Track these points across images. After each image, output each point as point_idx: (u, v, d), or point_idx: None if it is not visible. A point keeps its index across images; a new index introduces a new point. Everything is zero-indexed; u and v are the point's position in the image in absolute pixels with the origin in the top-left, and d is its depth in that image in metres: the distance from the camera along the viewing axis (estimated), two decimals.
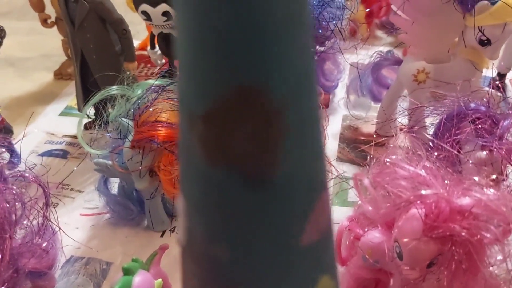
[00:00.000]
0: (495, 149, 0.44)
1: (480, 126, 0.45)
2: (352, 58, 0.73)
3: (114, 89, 0.51)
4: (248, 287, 0.20)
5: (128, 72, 0.63)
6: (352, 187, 0.43)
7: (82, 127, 0.69)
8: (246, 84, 0.16)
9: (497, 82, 0.53)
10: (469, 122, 0.46)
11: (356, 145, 0.67)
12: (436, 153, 0.41)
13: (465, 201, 0.36)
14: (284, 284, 0.20)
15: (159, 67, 0.86)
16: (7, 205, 0.43)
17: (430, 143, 0.46)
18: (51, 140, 0.72)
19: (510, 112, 0.45)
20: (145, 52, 0.90)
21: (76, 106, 0.76)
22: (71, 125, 0.74)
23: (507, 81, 0.81)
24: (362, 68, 0.67)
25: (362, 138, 0.68)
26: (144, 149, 0.47)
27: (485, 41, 0.54)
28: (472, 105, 0.46)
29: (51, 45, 0.95)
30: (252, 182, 0.17)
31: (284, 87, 0.16)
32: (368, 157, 0.43)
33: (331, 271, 0.22)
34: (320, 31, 0.63)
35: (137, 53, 0.86)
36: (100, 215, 0.58)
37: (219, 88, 0.16)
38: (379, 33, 0.95)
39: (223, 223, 0.18)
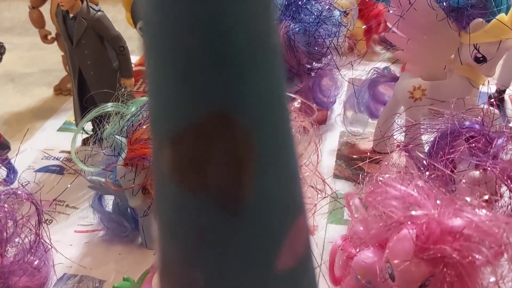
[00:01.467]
0: (489, 168, 0.43)
1: (474, 144, 0.45)
2: (350, 74, 0.73)
3: (109, 106, 0.51)
4: None
5: (124, 89, 0.63)
6: (344, 206, 0.43)
7: (78, 143, 0.70)
8: (216, 111, 0.16)
9: (492, 100, 0.52)
10: (463, 140, 0.45)
11: (353, 162, 0.67)
12: (428, 173, 0.41)
13: (456, 222, 0.36)
14: None
15: None
16: None
17: (424, 162, 0.46)
18: (48, 156, 0.72)
19: (504, 130, 0.45)
20: (144, 68, 0.91)
21: (74, 122, 0.76)
22: (69, 141, 0.73)
23: (506, 97, 0.80)
24: (359, 84, 0.67)
25: (359, 155, 0.68)
26: (137, 167, 0.47)
27: (481, 58, 0.54)
28: (467, 123, 0.46)
29: (51, 61, 0.96)
30: (224, 207, 0.17)
31: (253, 111, 0.16)
32: (361, 175, 0.43)
33: None
34: (316, 48, 0.63)
35: (136, 68, 0.87)
36: (95, 232, 0.58)
37: (188, 113, 0.16)
38: (378, 48, 0.95)
39: (196, 248, 0.18)
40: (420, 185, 0.40)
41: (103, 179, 0.50)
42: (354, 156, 0.67)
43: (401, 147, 0.52)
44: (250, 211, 0.18)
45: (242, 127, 0.16)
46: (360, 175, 0.44)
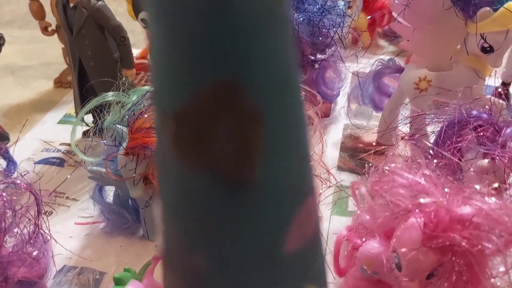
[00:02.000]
0: (497, 157, 0.42)
1: (482, 133, 0.44)
2: (353, 67, 0.73)
3: (109, 96, 0.50)
4: None
5: (125, 78, 0.63)
6: (350, 195, 0.42)
7: (79, 135, 0.69)
8: (223, 79, 0.15)
9: (500, 90, 0.51)
10: (470, 129, 0.45)
11: (357, 154, 0.66)
12: (435, 161, 0.40)
13: (466, 210, 0.35)
14: None
15: None
16: None
17: (431, 151, 0.45)
18: (48, 148, 0.71)
19: None
20: (145, 61, 0.90)
21: (74, 115, 0.75)
22: (69, 133, 0.73)
23: (511, 89, 0.79)
24: (363, 76, 0.66)
25: (363, 147, 0.67)
26: (138, 156, 0.47)
27: (488, 48, 0.53)
28: (474, 112, 0.45)
29: (51, 54, 0.95)
30: (230, 185, 0.16)
31: (263, 84, 0.16)
32: (366, 166, 0.42)
33: (319, 282, 0.21)
34: (320, 38, 0.62)
35: (137, 61, 0.86)
36: (95, 224, 0.57)
37: (193, 83, 0.15)
38: (382, 41, 0.94)
39: (200, 229, 0.17)
40: (428, 173, 0.39)
41: (104, 169, 0.50)
42: (360, 147, 0.66)
43: (406, 137, 0.51)
44: (257, 191, 0.17)
45: (250, 98, 0.16)
46: (365, 166, 0.43)
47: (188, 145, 0.16)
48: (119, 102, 0.50)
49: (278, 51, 0.16)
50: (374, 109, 0.68)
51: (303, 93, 0.51)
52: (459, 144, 0.43)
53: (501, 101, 0.52)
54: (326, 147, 0.67)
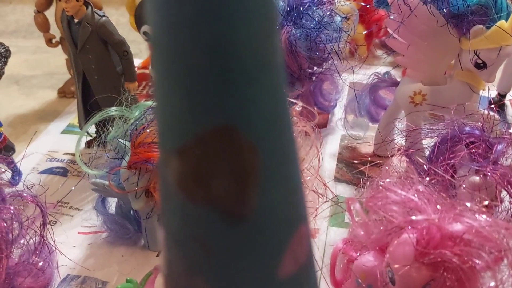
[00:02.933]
0: (489, 174, 0.44)
1: (474, 150, 0.45)
2: (351, 79, 0.74)
3: (112, 110, 0.52)
4: None
5: (128, 93, 0.64)
6: (345, 210, 0.44)
7: (82, 146, 0.70)
8: (221, 123, 0.17)
9: (492, 106, 0.53)
10: (463, 146, 0.46)
11: (354, 165, 0.67)
12: (428, 178, 0.41)
13: (457, 227, 0.36)
14: None
15: None
16: (4, 224, 0.44)
17: (425, 167, 0.46)
18: (52, 158, 0.72)
19: (504, 136, 0.46)
20: (147, 71, 0.91)
21: (78, 125, 0.76)
22: (73, 143, 0.74)
23: (507, 102, 0.81)
24: (360, 88, 0.68)
25: (360, 158, 0.68)
26: (140, 170, 0.48)
27: (481, 64, 0.54)
28: (467, 129, 0.46)
29: (55, 64, 0.96)
30: (228, 218, 0.18)
31: (257, 125, 0.17)
32: (362, 180, 0.43)
33: None
34: (317, 53, 0.64)
35: (139, 71, 0.88)
36: (98, 233, 0.58)
37: (194, 126, 0.17)
38: (379, 53, 0.96)
39: (201, 256, 0.19)
40: (421, 190, 0.40)
41: (107, 182, 0.51)
42: (355, 160, 0.67)
43: (401, 151, 0.52)
44: (254, 222, 0.18)
45: (247, 141, 0.17)
46: (361, 179, 0.45)
47: (189, 180, 0.17)
48: (122, 117, 0.51)
49: (271, 96, 0.17)
50: (370, 121, 0.69)
51: (296, 108, 0.52)
52: (452, 161, 0.45)
53: (495, 115, 0.54)
54: (324, 158, 0.69)
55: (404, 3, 0.53)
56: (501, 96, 0.79)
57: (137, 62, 0.97)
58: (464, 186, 0.44)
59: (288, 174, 0.19)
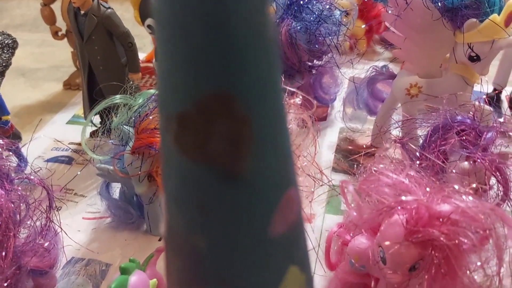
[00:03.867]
0: (478, 160, 0.45)
1: (464, 137, 0.47)
2: (350, 72, 0.76)
3: (117, 98, 0.53)
4: (222, 274, 0.22)
5: (132, 82, 0.66)
6: (339, 193, 0.45)
7: (87, 135, 0.72)
8: (218, 90, 0.18)
9: (484, 97, 0.54)
10: (454, 133, 0.48)
11: (351, 156, 0.69)
12: (419, 163, 0.43)
13: (444, 207, 0.38)
14: (254, 272, 0.22)
15: None
16: (12, 205, 0.46)
17: (417, 154, 0.48)
18: (58, 147, 0.74)
19: (494, 124, 0.47)
20: (150, 64, 0.93)
21: (83, 115, 0.78)
22: (77, 133, 0.76)
23: (503, 97, 0.82)
24: (358, 82, 0.70)
25: (358, 149, 0.70)
26: (144, 155, 0.50)
27: (475, 57, 0.56)
28: (458, 117, 0.48)
29: (61, 57, 0.98)
30: (223, 176, 0.19)
31: (251, 94, 0.19)
32: (356, 166, 0.45)
33: (301, 264, 0.24)
34: (317, 46, 0.66)
35: (143, 65, 0.90)
36: (102, 219, 0.60)
37: (194, 92, 0.18)
38: (378, 48, 0.97)
39: (198, 214, 0.21)
40: (412, 174, 0.42)
41: (111, 167, 0.53)
42: (354, 150, 0.69)
43: (396, 140, 0.54)
44: (247, 182, 0.20)
45: (241, 106, 0.19)
46: (357, 167, 0.47)
47: (188, 143, 0.19)
48: (126, 105, 0.53)
49: (265, 68, 0.19)
50: (368, 113, 0.71)
51: (296, 100, 0.54)
52: (444, 147, 0.46)
53: (487, 107, 0.56)
54: (322, 149, 0.71)
55: None
56: (496, 91, 0.81)
57: (141, 56, 0.99)
58: (454, 171, 0.46)
59: (279, 140, 0.21)
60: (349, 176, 0.66)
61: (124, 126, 0.52)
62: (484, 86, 0.64)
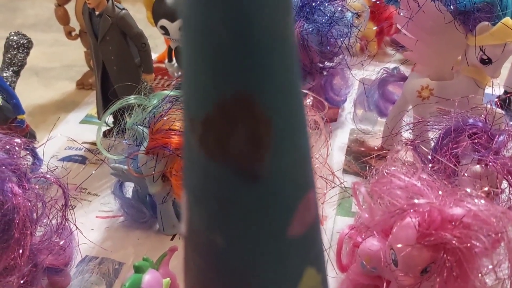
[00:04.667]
0: (490, 163, 0.46)
1: (476, 141, 0.47)
2: (361, 74, 0.76)
3: (131, 99, 0.54)
4: (241, 272, 0.22)
5: (145, 83, 0.67)
6: (351, 196, 0.46)
7: (101, 134, 0.73)
8: (240, 93, 0.19)
9: (496, 99, 0.55)
10: (466, 136, 0.48)
11: (362, 158, 0.69)
12: (431, 166, 0.43)
13: (456, 210, 0.38)
14: (272, 271, 0.22)
15: (175, 79, 0.90)
16: (29, 203, 0.47)
17: (429, 156, 0.48)
18: (71, 146, 0.75)
19: (506, 128, 0.47)
20: (163, 65, 0.94)
21: (96, 115, 0.79)
22: (91, 133, 0.78)
23: None
24: (369, 83, 0.70)
25: (368, 151, 0.70)
26: (158, 155, 0.51)
27: (486, 60, 0.56)
28: (470, 120, 0.48)
29: (73, 56, 1.00)
30: (245, 177, 0.20)
31: (272, 97, 0.19)
32: (368, 168, 0.45)
33: (318, 265, 0.25)
34: (328, 47, 0.66)
35: (155, 65, 0.91)
36: (115, 218, 0.61)
37: (217, 95, 0.19)
38: (389, 50, 0.97)
39: (219, 213, 0.21)
40: (424, 177, 0.42)
41: (126, 167, 0.54)
42: (365, 152, 0.69)
43: (408, 143, 0.54)
44: (267, 183, 0.21)
45: (262, 108, 0.19)
46: (368, 169, 0.47)
47: (212, 144, 0.20)
48: (141, 105, 0.54)
49: (285, 70, 0.20)
50: (379, 115, 0.71)
51: (307, 101, 0.54)
52: (455, 150, 0.47)
53: (499, 110, 0.56)
54: (333, 151, 0.71)
55: None
56: (507, 93, 0.80)
57: (153, 56, 1.00)
58: (466, 174, 0.46)
59: (298, 143, 0.21)
60: (360, 178, 0.66)
61: (139, 126, 0.52)
62: (496, 88, 0.64)
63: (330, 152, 0.69)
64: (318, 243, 0.25)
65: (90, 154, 0.74)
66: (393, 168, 0.44)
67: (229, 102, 0.19)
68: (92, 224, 0.61)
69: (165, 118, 0.51)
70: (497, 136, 0.46)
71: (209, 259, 0.22)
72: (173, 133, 0.50)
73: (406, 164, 0.44)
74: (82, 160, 0.73)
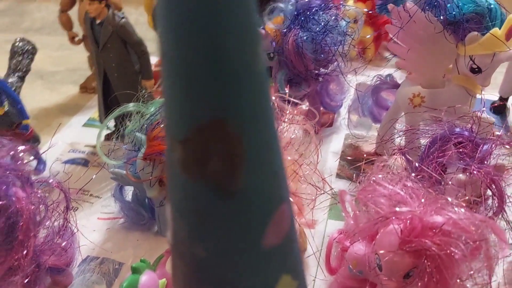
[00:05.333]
0: (474, 172, 0.47)
1: (461, 150, 0.49)
2: (358, 79, 0.77)
3: (130, 106, 0.56)
4: (220, 280, 0.24)
5: (145, 90, 0.69)
6: (339, 202, 0.48)
7: (102, 139, 0.75)
8: (215, 118, 0.21)
9: (490, 105, 0.56)
10: (452, 145, 0.49)
11: (355, 163, 0.71)
12: (415, 174, 0.45)
13: (437, 218, 0.40)
14: (249, 280, 0.24)
15: None
16: (32, 207, 0.49)
17: (416, 164, 0.50)
18: (74, 149, 0.78)
19: (490, 137, 0.49)
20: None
21: (98, 119, 0.82)
22: (93, 136, 0.79)
23: (509, 105, 0.83)
24: (364, 89, 0.71)
25: (361, 156, 0.72)
26: (155, 161, 0.53)
27: (476, 69, 0.58)
28: (457, 129, 0.50)
29: (78, 60, 1.02)
30: (221, 194, 0.22)
31: (244, 120, 0.21)
32: (355, 175, 0.47)
33: (293, 272, 0.26)
34: (322, 55, 0.68)
35: (155, 69, 0.93)
36: (115, 219, 0.63)
37: (194, 120, 0.21)
38: (387, 54, 0.99)
39: (198, 226, 0.23)
40: (408, 185, 0.44)
41: (124, 172, 0.56)
42: (359, 157, 0.71)
43: (397, 150, 0.56)
44: (241, 198, 0.23)
45: (235, 131, 0.21)
46: (359, 175, 0.49)
47: (190, 163, 0.22)
48: (139, 112, 0.56)
49: (255, 95, 0.22)
50: (373, 121, 0.73)
51: (303, 107, 0.56)
52: (441, 159, 0.48)
53: (489, 118, 0.57)
54: (327, 156, 0.73)
55: (404, 10, 0.57)
56: (503, 99, 0.82)
57: (153, 60, 1.02)
58: (450, 183, 0.48)
59: (270, 160, 0.23)
60: (352, 182, 0.68)
61: (137, 133, 0.55)
62: (490, 95, 0.65)
63: (324, 157, 0.71)
64: (294, 251, 0.27)
65: (92, 157, 0.76)
66: (379, 175, 0.46)
67: (204, 126, 0.21)
68: (94, 225, 0.63)
69: (162, 125, 0.53)
70: (482, 145, 0.48)
71: (192, 267, 0.25)
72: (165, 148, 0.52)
73: (391, 172, 0.46)
74: (84, 163, 0.75)
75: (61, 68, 1.04)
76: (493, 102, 0.81)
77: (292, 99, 0.52)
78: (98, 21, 0.67)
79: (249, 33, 0.20)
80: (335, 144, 0.76)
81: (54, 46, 1.12)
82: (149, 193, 0.54)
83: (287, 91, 0.70)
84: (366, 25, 0.89)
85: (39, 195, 0.50)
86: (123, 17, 0.67)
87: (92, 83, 0.93)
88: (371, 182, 0.44)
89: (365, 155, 0.67)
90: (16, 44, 0.74)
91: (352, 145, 0.75)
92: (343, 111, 0.81)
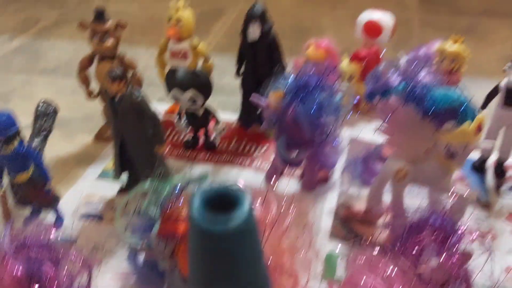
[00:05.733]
0: (445, 259, 0.54)
1: (434, 237, 0.56)
2: (351, 134, 0.84)
3: (146, 185, 0.64)
4: None
5: (158, 154, 0.77)
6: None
7: (115, 192, 0.83)
8: None
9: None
10: (427, 232, 0.57)
11: (348, 223, 0.78)
12: (394, 263, 0.53)
13: None
14: None
15: (184, 134, 1.00)
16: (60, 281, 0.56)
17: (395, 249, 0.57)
18: (89, 202, 0.85)
19: (460, 227, 0.56)
20: (173, 116, 1.03)
21: (111, 170, 0.88)
22: (107, 188, 0.87)
23: (488, 164, 0.90)
24: (359, 147, 0.78)
25: (354, 216, 0.79)
26: (168, 239, 0.60)
27: (450, 155, 0.65)
28: (430, 220, 0.57)
29: (92, 105, 1.08)
30: None
31: None
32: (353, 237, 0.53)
33: None
34: (318, 128, 0.75)
35: (166, 116, 1.01)
36: (128, 278, 0.70)
37: None
38: None
39: None
40: (388, 273, 0.51)
41: (139, 242, 0.63)
42: (351, 216, 0.78)
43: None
44: None
45: None
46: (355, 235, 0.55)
47: None
48: (155, 190, 0.63)
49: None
50: (362, 184, 0.80)
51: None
52: (416, 247, 0.55)
53: (465, 189, 0.65)
54: (322, 214, 0.80)
55: (388, 104, 0.64)
56: (500, 163, 0.88)
57: (164, 107, 1.09)
58: (424, 266, 0.55)
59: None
60: (347, 242, 0.74)
61: (152, 210, 0.62)
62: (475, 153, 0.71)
63: (319, 215, 0.78)
64: None
65: (107, 211, 0.83)
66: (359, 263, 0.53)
67: None
68: (107, 285, 0.70)
69: (175, 205, 0.60)
70: (452, 236, 0.55)
71: None
72: (181, 220, 0.59)
73: (372, 260, 0.53)
74: (99, 217, 0.82)
75: (76, 114, 1.09)
76: (473, 163, 0.89)
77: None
78: (117, 98, 0.74)
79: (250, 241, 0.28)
80: (330, 202, 0.83)
81: (69, 89, 1.18)
82: (161, 265, 0.62)
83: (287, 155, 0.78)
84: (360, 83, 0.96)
85: (65, 272, 0.57)
86: (140, 95, 0.74)
87: (105, 132, 1.00)
88: (353, 274, 0.51)
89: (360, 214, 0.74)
90: (39, 108, 0.81)
91: (344, 204, 0.82)
92: (338, 168, 0.88)
